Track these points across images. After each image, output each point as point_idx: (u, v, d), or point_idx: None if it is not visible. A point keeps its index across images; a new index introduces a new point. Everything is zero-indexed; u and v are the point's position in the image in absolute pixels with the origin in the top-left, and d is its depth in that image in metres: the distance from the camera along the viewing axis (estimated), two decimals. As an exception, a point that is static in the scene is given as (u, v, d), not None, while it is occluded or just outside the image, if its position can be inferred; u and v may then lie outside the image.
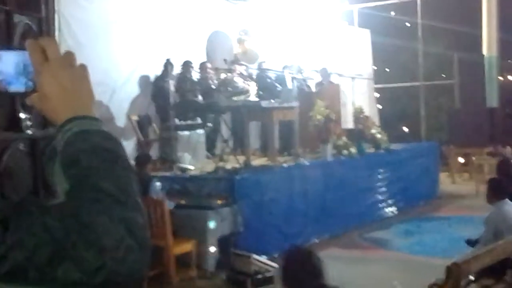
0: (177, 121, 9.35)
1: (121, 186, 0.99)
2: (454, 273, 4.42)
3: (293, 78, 10.34)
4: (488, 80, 15.62)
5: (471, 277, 5.49)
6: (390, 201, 10.86)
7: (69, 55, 1.12)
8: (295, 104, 9.58)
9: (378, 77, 16.13)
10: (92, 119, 1.09)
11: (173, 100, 9.29)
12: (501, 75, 16.80)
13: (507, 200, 5.93)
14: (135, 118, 9.66)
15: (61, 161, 1.05)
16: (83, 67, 1.13)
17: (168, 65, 9.47)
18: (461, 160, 14.87)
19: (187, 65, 9.99)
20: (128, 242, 0.92)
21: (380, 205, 10.67)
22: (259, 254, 7.32)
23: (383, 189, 10.77)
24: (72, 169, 1.02)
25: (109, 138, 1.07)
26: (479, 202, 9.75)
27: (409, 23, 16.75)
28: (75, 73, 1.11)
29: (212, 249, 7.35)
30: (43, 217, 0.91)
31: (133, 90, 9.79)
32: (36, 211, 0.92)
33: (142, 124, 9.77)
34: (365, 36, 15.37)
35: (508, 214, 5.82)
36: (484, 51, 15.78)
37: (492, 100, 15.74)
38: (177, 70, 9.96)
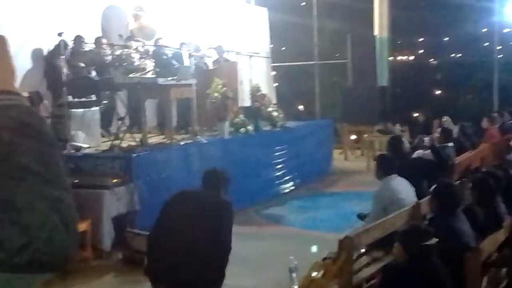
0: (70, 98, 9.05)
1: (45, 163, 0.95)
2: (346, 246, 4.58)
3: (190, 55, 10.26)
4: (379, 59, 16.17)
5: (363, 250, 5.73)
6: (286, 178, 11.07)
7: None
8: (192, 81, 9.53)
9: (274, 55, 16.31)
10: (13, 93, 1.03)
11: (65, 76, 8.98)
12: (392, 55, 17.45)
13: (394, 175, 6.19)
14: (25, 94, 9.26)
15: None
16: (2, 39, 1.07)
17: (61, 40, 9.13)
18: (353, 137, 15.37)
19: (79, 40, 9.67)
20: (54, 221, 0.89)
21: (277, 182, 10.86)
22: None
23: (280, 166, 10.96)
24: None
25: (31, 114, 1.02)
26: (370, 177, 10.11)
27: (304, 1, 17.02)
28: None
29: (108, 228, 7.23)
30: None
31: (24, 64, 9.33)
32: None
33: (33, 101, 9.37)
34: (262, 14, 15.46)
35: (395, 188, 6.09)
36: (376, 31, 16.31)
37: (383, 79, 16.33)
38: (70, 45, 9.62)
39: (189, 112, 9.97)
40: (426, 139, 11.10)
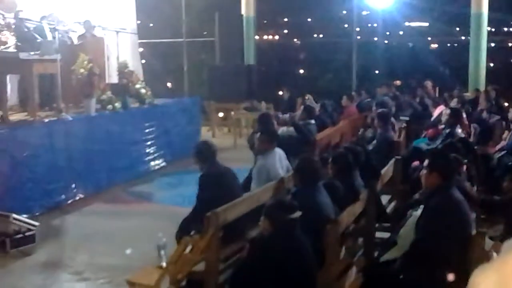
0: None
1: None
2: (213, 221, 4.71)
3: (53, 30, 9.89)
4: (246, 38, 16.46)
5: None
6: (155, 155, 11.05)
7: None
8: (56, 56, 9.22)
9: (142, 31, 16.08)
10: None
11: None
12: (257, 34, 17.81)
13: (274, 149, 6.53)
14: None
15: None
16: None
17: None
18: (221, 114, 15.57)
19: None
20: None
21: (145, 159, 10.82)
22: (19, 213, 7.07)
23: (148, 143, 10.91)
24: None
25: None
26: (237, 154, 10.41)
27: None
28: None
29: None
30: None
31: None
32: None
33: None
34: (128, -11, 15.14)
35: (275, 161, 6.42)
36: (243, 10, 16.56)
37: (249, 57, 16.66)
38: None
39: (53, 88, 9.64)
40: (282, 116, 11.54)
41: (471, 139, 8.93)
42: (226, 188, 5.61)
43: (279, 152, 6.68)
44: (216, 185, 5.61)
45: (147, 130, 10.88)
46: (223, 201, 5.06)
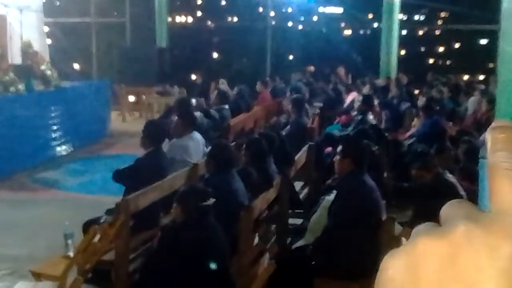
0: None
1: None
2: (123, 209, 4.55)
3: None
4: (158, 20, 16.14)
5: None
6: (62, 140, 10.65)
7: None
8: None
9: (48, 10, 15.42)
10: None
11: None
12: (170, 16, 17.49)
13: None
14: None
15: None
16: None
17: None
18: (132, 98, 15.20)
19: None
20: None
21: (52, 144, 10.40)
22: None
23: (55, 127, 10.49)
24: None
25: None
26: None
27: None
28: None
29: None
30: None
31: None
32: None
33: None
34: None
35: (189, 145, 6.34)
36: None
37: (162, 40, 16.35)
38: None
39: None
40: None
41: (382, 126, 9.09)
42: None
43: (197, 138, 6.56)
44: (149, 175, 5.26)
45: (53, 114, 10.44)
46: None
